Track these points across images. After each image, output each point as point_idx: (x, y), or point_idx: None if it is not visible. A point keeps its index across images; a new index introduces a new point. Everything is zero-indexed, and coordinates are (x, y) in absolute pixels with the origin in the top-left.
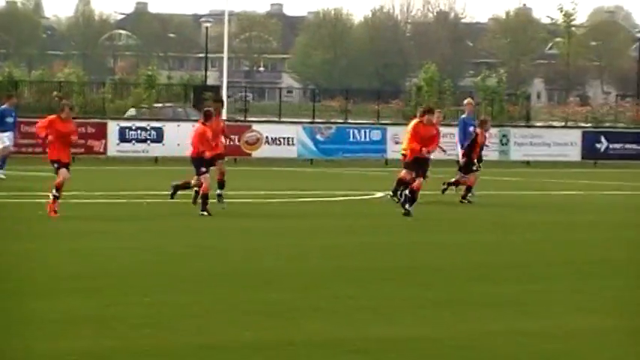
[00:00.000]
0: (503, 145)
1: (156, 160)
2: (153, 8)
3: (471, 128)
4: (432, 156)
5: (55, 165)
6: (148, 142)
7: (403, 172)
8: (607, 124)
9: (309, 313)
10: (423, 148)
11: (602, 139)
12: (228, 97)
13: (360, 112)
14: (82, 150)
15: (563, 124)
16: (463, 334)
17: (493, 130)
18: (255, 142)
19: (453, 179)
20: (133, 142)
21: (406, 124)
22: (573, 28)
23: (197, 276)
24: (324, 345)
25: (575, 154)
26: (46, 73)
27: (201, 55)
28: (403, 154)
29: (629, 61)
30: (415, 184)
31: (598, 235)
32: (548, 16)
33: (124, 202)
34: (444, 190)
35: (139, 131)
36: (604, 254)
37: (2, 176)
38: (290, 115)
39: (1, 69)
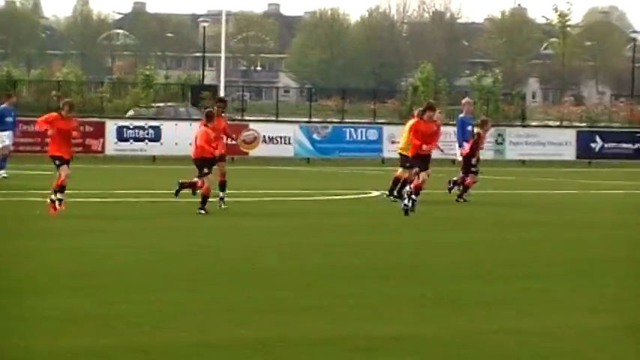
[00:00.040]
0: (498, 144)
1: (154, 158)
2: (151, 8)
3: (469, 127)
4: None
5: (57, 162)
6: (146, 141)
7: (399, 171)
8: (601, 124)
9: (307, 311)
10: (424, 145)
11: (597, 138)
12: (226, 96)
13: (356, 111)
14: (80, 149)
15: (558, 123)
16: (462, 333)
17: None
18: (253, 141)
19: (457, 178)
20: (131, 141)
21: (402, 124)
22: (568, 29)
23: (195, 274)
24: (322, 343)
25: (569, 153)
26: (44, 73)
27: (198, 54)
28: (400, 153)
29: (624, 61)
30: (419, 181)
31: (595, 234)
32: (543, 17)
33: (122, 200)
34: (450, 189)
35: (136, 130)
36: (602, 253)
37: (5, 175)
38: (287, 115)
39: (0, 68)
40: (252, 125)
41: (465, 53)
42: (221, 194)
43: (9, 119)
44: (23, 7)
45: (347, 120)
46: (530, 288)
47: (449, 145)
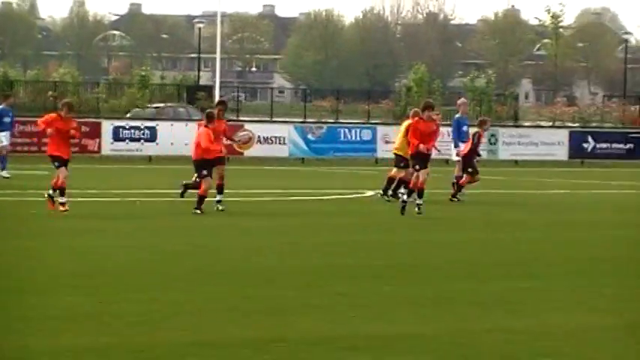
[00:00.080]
0: (491, 144)
1: (149, 158)
2: (146, 9)
3: (465, 128)
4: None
5: (56, 163)
6: (142, 141)
7: (394, 171)
8: (594, 124)
9: (303, 311)
10: (421, 145)
11: (589, 138)
12: (221, 96)
13: (350, 112)
14: (77, 149)
15: (550, 124)
16: (459, 332)
17: None
18: (248, 142)
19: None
20: (127, 141)
21: (396, 124)
22: (561, 30)
23: (194, 274)
24: (318, 342)
25: (562, 153)
26: (41, 73)
27: (194, 55)
28: (395, 153)
29: (616, 62)
30: (420, 181)
31: (591, 234)
32: (536, 18)
33: (119, 200)
34: (455, 193)
35: (132, 130)
36: (599, 252)
37: (7, 175)
38: (282, 115)
39: None
40: (247, 126)
41: (458, 54)
42: (218, 197)
43: (7, 120)
44: (20, 8)
45: (341, 120)
46: (528, 287)
47: (444, 145)
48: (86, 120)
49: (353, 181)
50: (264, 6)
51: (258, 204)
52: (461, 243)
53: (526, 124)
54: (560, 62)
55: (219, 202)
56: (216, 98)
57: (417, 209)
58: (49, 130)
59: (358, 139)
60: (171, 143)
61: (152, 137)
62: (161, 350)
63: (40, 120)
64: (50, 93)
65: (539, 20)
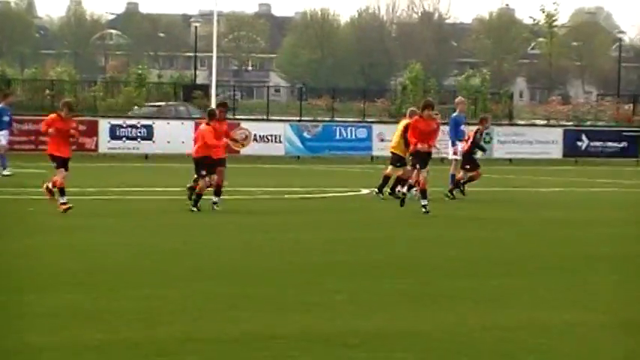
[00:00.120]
0: (486, 143)
1: (146, 157)
2: (143, 8)
3: (462, 127)
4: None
5: (55, 164)
6: (139, 139)
7: (389, 169)
8: (588, 123)
9: (300, 308)
10: (419, 144)
11: (583, 137)
12: (217, 95)
13: (346, 110)
14: (74, 147)
15: (545, 122)
16: (456, 329)
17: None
18: (245, 140)
19: (463, 178)
20: (124, 139)
21: (391, 123)
22: (555, 29)
23: (192, 271)
24: (315, 339)
25: (556, 151)
26: (38, 72)
27: (190, 54)
28: (392, 152)
29: (610, 61)
30: (420, 180)
31: (587, 231)
32: (530, 17)
33: (117, 198)
34: (462, 192)
35: (129, 129)
36: (593, 250)
37: (9, 173)
38: (277, 114)
39: None
40: (243, 124)
41: (453, 53)
42: (214, 199)
43: (5, 118)
44: (17, 7)
45: (337, 119)
46: (525, 285)
47: (442, 144)
48: (83, 118)
49: (349, 179)
50: (260, 5)
51: (255, 202)
52: (459, 241)
53: (520, 122)
54: (554, 61)
55: (215, 203)
56: (213, 97)
57: (423, 210)
58: (49, 130)
59: (354, 137)
60: (168, 141)
61: (149, 135)
62: (160, 347)
63: (42, 124)
64: (47, 92)
65: (534, 19)
